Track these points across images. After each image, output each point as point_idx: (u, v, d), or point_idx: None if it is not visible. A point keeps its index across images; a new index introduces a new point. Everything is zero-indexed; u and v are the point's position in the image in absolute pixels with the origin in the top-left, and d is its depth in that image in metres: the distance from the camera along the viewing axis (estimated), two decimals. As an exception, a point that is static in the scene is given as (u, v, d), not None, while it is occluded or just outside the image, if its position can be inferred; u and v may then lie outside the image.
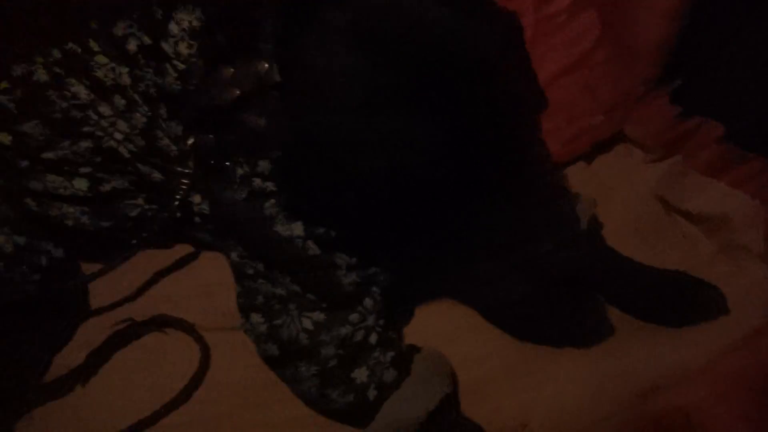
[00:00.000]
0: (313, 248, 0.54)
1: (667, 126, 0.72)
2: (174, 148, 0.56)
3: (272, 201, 0.54)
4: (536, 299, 0.60)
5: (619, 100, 0.76)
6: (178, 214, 0.57)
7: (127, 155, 0.56)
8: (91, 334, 0.65)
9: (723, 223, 0.66)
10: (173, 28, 0.54)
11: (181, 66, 0.54)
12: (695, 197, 0.69)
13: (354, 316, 0.54)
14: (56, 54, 0.55)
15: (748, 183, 0.65)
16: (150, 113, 0.55)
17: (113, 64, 0.55)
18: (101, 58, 0.55)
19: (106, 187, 0.56)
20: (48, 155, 0.55)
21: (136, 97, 0.55)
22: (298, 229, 0.54)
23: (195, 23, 0.54)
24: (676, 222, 0.71)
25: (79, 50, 0.55)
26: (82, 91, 0.55)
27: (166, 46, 0.54)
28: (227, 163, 0.54)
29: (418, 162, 0.52)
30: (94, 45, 0.55)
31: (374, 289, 0.55)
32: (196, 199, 0.57)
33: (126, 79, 0.55)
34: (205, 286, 0.67)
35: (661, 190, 0.72)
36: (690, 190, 0.70)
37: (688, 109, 0.71)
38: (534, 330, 0.61)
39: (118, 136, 0.55)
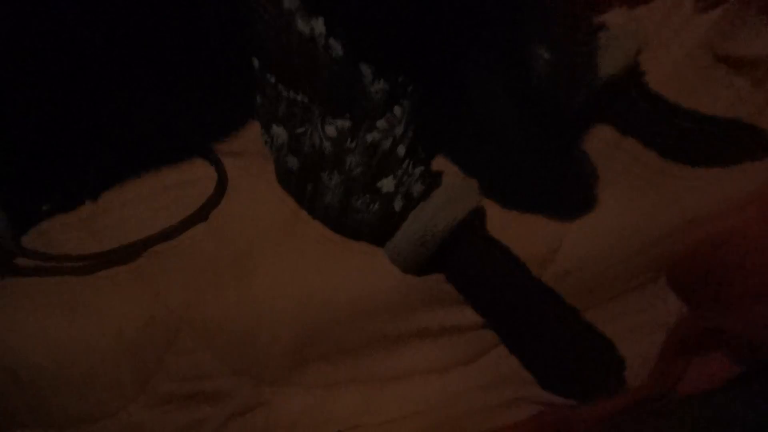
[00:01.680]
0: (336, 49, 0.50)
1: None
2: None
3: None
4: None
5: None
6: None
7: None
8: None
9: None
10: None
11: None
12: (747, 43, 0.64)
13: (381, 123, 0.50)
14: None
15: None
16: None
17: None
18: None
19: None
20: None
21: None
22: (319, 26, 0.49)
23: None
24: (724, 73, 0.66)
25: None
26: None
27: None
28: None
29: None
30: None
31: (403, 100, 0.52)
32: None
33: None
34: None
35: (711, 40, 0.67)
36: (742, 35, 0.65)
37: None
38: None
39: None
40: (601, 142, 0.62)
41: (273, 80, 0.53)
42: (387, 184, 0.51)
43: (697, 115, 0.62)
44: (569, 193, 0.57)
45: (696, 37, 0.68)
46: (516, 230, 0.55)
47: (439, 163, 0.57)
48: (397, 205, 0.51)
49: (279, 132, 0.53)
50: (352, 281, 0.52)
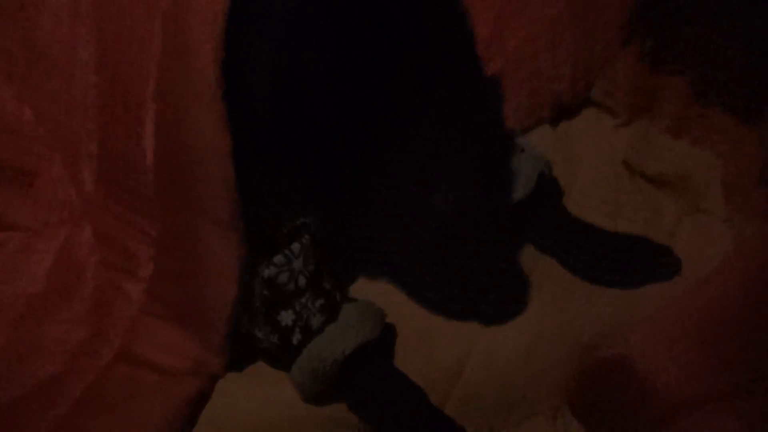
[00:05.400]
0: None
1: (634, 86, 0.70)
2: None
3: None
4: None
5: (585, 64, 0.74)
6: None
7: None
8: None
9: (685, 184, 0.64)
10: None
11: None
12: (659, 159, 0.67)
13: (278, 258, 0.54)
14: None
15: (711, 141, 0.62)
16: None
17: None
18: None
19: None
20: None
21: None
22: None
23: None
24: (640, 187, 0.68)
25: None
26: None
27: None
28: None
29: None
30: None
31: (305, 236, 0.56)
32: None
33: None
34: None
35: (627, 155, 0.70)
36: (654, 152, 0.67)
37: (655, 68, 0.69)
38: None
39: None
40: (522, 257, 0.64)
41: None
42: (286, 317, 0.54)
43: (608, 235, 0.63)
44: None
45: (614, 152, 0.71)
46: (424, 355, 0.57)
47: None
48: (295, 338, 0.54)
49: None
50: (264, 409, 0.55)
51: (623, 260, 0.61)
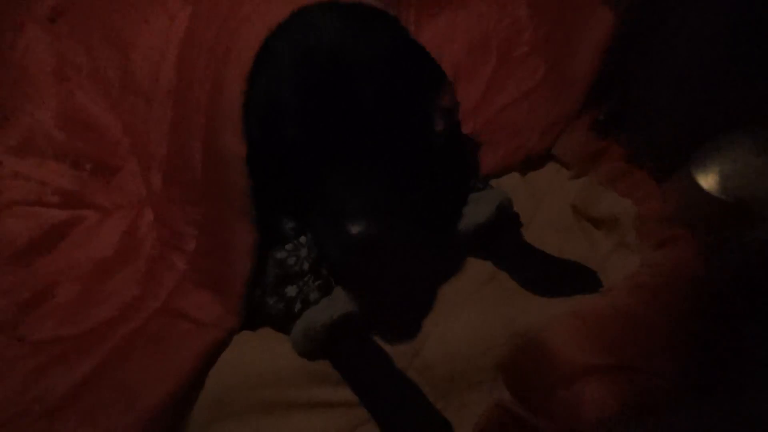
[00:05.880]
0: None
1: (585, 148, 0.89)
2: None
3: None
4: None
5: (550, 128, 0.93)
6: None
7: None
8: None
9: (614, 224, 0.81)
10: None
11: None
12: (597, 205, 0.84)
13: (289, 246, 0.72)
14: None
15: (632, 192, 0.80)
16: None
17: None
18: None
19: None
20: None
21: None
22: None
23: None
24: (583, 226, 0.85)
25: None
26: None
27: None
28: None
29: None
30: None
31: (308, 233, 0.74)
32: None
33: None
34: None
35: (575, 201, 0.87)
36: (594, 200, 0.84)
37: (599, 136, 0.87)
38: None
39: None
40: (481, 272, 0.81)
41: None
42: (291, 290, 0.72)
43: (551, 258, 0.80)
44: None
45: (566, 198, 0.89)
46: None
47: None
48: (296, 307, 0.71)
49: None
50: (267, 358, 0.72)
51: (558, 277, 0.77)
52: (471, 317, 0.74)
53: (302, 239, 0.73)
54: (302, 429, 0.70)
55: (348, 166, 0.62)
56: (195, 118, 0.74)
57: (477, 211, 0.80)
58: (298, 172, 0.65)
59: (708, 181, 0.69)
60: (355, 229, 0.58)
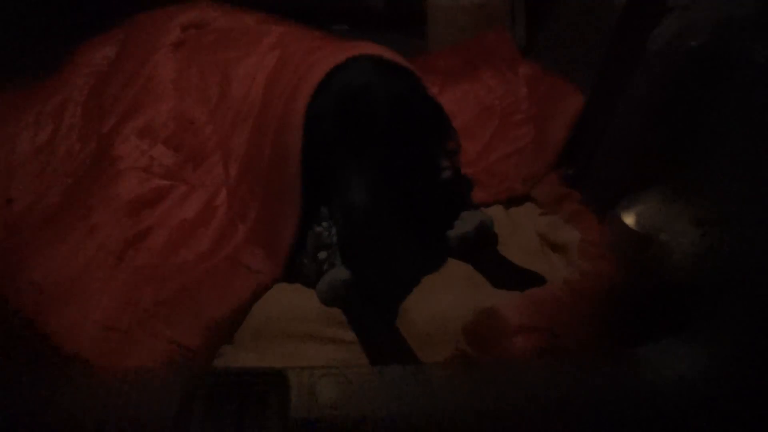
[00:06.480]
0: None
1: (554, 193, 1.17)
2: None
3: None
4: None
5: (532, 176, 1.22)
6: None
7: None
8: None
9: (566, 249, 1.08)
10: None
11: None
12: (557, 234, 1.11)
13: (324, 224, 1.00)
14: None
15: (581, 225, 1.08)
16: None
17: None
18: None
19: None
20: None
21: None
22: None
23: None
24: (545, 250, 1.13)
25: None
26: None
27: None
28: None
29: None
30: None
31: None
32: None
33: None
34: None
35: (541, 231, 1.15)
36: (555, 231, 1.12)
37: (566, 185, 1.16)
38: None
39: None
40: (462, 270, 1.08)
41: None
42: (322, 255, 1.00)
43: (515, 266, 1.07)
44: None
45: (535, 228, 1.16)
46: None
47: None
48: (324, 267, 0.99)
49: None
50: (297, 301, 0.99)
51: (518, 278, 1.04)
52: (449, 296, 1.01)
53: (331, 221, 1.02)
54: (314, 355, 0.95)
55: (362, 166, 0.92)
56: (270, 124, 1.05)
57: (464, 224, 1.09)
58: (330, 164, 0.94)
59: (629, 219, 0.96)
60: (358, 201, 0.87)
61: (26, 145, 1.18)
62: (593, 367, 0.78)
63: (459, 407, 0.75)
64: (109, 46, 1.33)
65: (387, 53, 1.05)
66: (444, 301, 1.00)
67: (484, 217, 1.10)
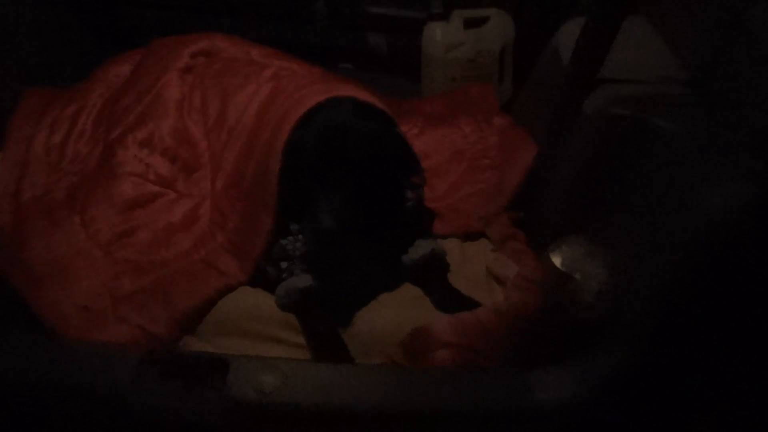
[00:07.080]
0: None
1: (504, 231, 1.29)
2: None
3: None
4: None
5: (488, 215, 1.35)
6: None
7: None
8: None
9: (506, 281, 1.20)
10: None
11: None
12: (501, 268, 1.23)
13: (291, 237, 1.13)
14: None
15: (521, 262, 1.19)
16: None
17: None
18: None
19: None
20: None
21: None
22: None
23: None
24: (490, 281, 1.24)
25: None
26: None
27: None
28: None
29: None
30: None
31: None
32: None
33: None
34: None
35: (489, 264, 1.26)
36: (500, 265, 1.24)
37: (515, 226, 1.29)
38: None
39: None
40: (411, 292, 1.20)
41: None
42: (284, 264, 1.12)
43: (458, 292, 1.19)
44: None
45: (485, 261, 1.28)
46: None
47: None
48: (284, 275, 1.11)
49: None
50: (258, 304, 1.11)
51: (458, 303, 1.16)
52: (393, 313, 1.13)
53: (300, 237, 1.15)
54: (266, 353, 1.07)
55: (332, 192, 1.05)
56: (257, 148, 1.19)
57: (418, 250, 1.21)
58: (302, 189, 1.08)
59: (556, 259, 1.08)
60: (325, 223, 1.00)
61: (41, 145, 1.33)
62: (488, 381, 0.90)
63: (378, 403, 0.87)
64: (125, 65, 1.50)
65: (367, 96, 1.19)
66: (389, 316, 1.12)
67: (436, 246, 1.22)
